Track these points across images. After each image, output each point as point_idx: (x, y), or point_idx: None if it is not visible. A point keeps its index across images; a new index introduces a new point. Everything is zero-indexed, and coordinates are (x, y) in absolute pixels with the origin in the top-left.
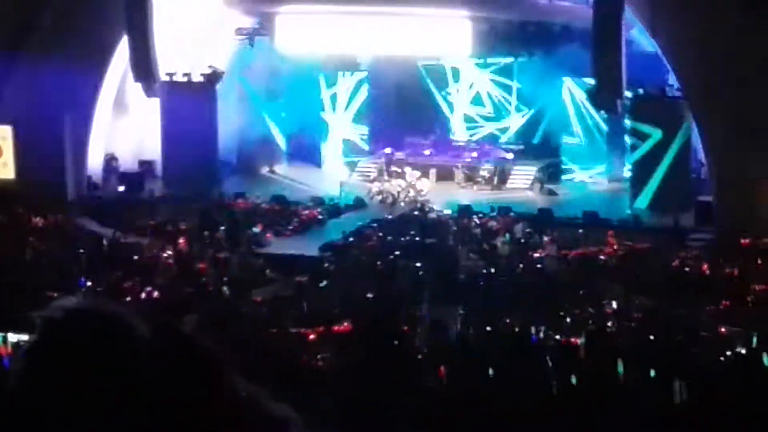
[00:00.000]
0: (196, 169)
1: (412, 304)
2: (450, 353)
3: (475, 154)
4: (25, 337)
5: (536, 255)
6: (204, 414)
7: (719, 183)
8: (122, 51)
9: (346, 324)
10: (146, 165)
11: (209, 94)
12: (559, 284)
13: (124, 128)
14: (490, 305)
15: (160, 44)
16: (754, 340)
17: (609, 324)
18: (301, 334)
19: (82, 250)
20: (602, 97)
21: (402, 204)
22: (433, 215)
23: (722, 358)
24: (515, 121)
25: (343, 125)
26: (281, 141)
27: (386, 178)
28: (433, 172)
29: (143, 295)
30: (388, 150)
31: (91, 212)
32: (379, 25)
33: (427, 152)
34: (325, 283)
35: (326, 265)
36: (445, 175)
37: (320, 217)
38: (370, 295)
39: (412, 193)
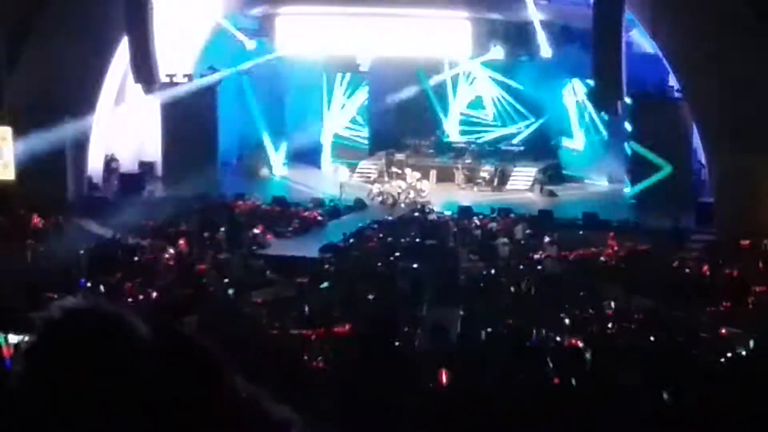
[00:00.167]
0: (196, 170)
1: (413, 305)
2: (450, 355)
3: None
4: (25, 338)
5: (536, 256)
6: (204, 414)
7: (719, 184)
8: (123, 52)
9: (346, 325)
10: (146, 166)
11: (209, 96)
12: (560, 285)
13: (124, 129)
14: (490, 306)
15: (160, 45)
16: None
17: (609, 325)
18: (301, 336)
19: (82, 251)
20: (602, 98)
21: (402, 205)
22: (433, 216)
23: (722, 360)
24: (517, 129)
25: (339, 126)
26: (281, 142)
27: (386, 179)
28: (433, 173)
29: (143, 296)
30: (388, 151)
31: (91, 213)
32: (379, 27)
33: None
34: (325, 284)
35: (326, 266)
36: (445, 177)
37: (320, 218)
38: (370, 297)
39: (412, 195)
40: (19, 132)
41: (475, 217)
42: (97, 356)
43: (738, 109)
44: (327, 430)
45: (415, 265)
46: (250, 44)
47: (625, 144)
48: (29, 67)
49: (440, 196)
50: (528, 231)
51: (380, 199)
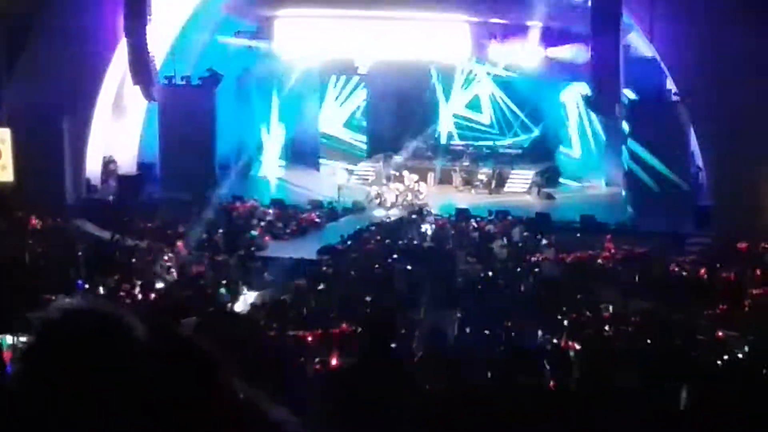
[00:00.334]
0: (194, 172)
1: (410, 307)
2: (447, 357)
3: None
4: (24, 339)
5: (534, 259)
6: (202, 415)
7: (717, 187)
8: (121, 54)
9: (343, 327)
10: (144, 168)
11: (208, 98)
12: (557, 288)
13: (122, 131)
14: (487, 309)
15: (158, 47)
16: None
17: (606, 328)
18: (299, 337)
19: (80, 253)
20: (600, 101)
21: (400, 207)
22: (431, 219)
23: (720, 362)
24: (512, 142)
25: (337, 129)
26: (280, 144)
27: (384, 181)
28: (431, 175)
29: (141, 298)
30: (386, 154)
31: (90, 215)
32: (377, 29)
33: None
34: (323, 286)
35: (324, 268)
36: (443, 179)
37: (318, 220)
38: (368, 299)
39: (410, 197)
40: (18, 134)
41: (472, 220)
42: (95, 357)
43: (736, 112)
44: (324, 431)
45: (412, 268)
46: (249, 47)
47: (623, 147)
48: (28, 69)
49: (438, 199)
50: (525, 233)
51: (378, 201)
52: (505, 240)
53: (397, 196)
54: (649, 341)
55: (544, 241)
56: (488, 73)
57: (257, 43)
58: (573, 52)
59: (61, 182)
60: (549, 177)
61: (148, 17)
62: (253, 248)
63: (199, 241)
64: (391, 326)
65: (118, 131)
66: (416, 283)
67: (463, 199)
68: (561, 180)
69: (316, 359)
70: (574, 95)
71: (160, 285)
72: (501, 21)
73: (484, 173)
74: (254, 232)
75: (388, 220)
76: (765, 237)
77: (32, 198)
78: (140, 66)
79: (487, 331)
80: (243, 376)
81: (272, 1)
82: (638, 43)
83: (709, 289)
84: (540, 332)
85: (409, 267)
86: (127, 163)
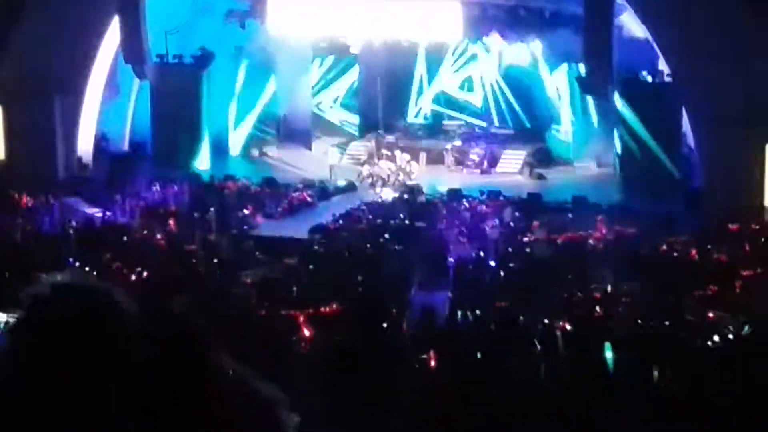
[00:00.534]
0: (186, 151)
1: (401, 287)
2: (438, 337)
3: (465, 138)
4: (14, 317)
5: (525, 239)
6: (192, 392)
7: (709, 168)
8: (114, 31)
9: (334, 306)
10: (136, 146)
11: (200, 76)
12: (548, 268)
13: (114, 109)
14: (478, 289)
15: (151, 26)
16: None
17: (597, 308)
18: (290, 316)
19: (71, 231)
20: (593, 82)
21: (392, 187)
22: (422, 198)
23: (710, 343)
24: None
25: (329, 108)
26: (271, 123)
27: (376, 161)
28: (423, 155)
29: (133, 277)
30: (378, 133)
31: (81, 193)
32: (370, 8)
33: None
34: (314, 266)
35: (316, 247)
36: (435, 159)
37: (310, 199)
38: (359, 278)
39: (402, 177)
40: (10, 111)
41: (464, 200)
42: (85, 332)
43: (728, 93)
44: (313, 409)
45: (403, 247)
46: (241, 26)
47: (615, 128)
48: (20, 46)
49: (430, 179)
50: (517, 214)
51: (370, 180)
52: (496, 220)
53: (388, 175)
54: (639, 322)
55: (535, 222)
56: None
57: (249, 22)
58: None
59: (52, 160)
60: (541, 157)
61: None
62: (244, 227)
63: (191, 219)
64: (382, 306)
65: (110, 109)
66: (407, 263)
67: (455, 179)
68: (553, 160)
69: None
70: (566, 75)
71: (150, 264)
72: (493, 1)
73: (476, 153)
74: (246, 211)
75: (379, 200)
76: (756, 218)
77: (23, 176)
78: (132, 44)
79: (477, 312)
80: (233, 354)
81: None
82: (631, 23)
83: (700, 270)
84: (531, 312)
85: (400, 247)
86: (119, 141)
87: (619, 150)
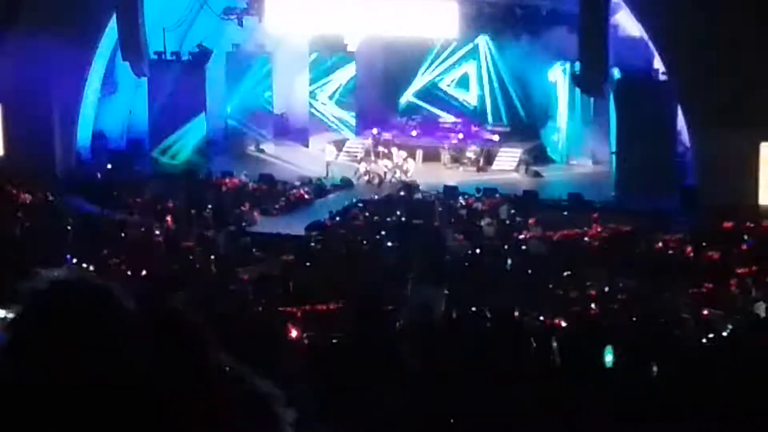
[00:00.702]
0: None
1: (398, 284)
2: (434, 333)
3: (461, 136)
4: (11, 313)
5: (521, 236)
6: (188, 388)
7: (703, 167)
8: (112, 28)
9: (331, 303)
10: (135, 143)
11: (197, 73)
12: (544, 266)
13: (113, 106)
14: (474, 286)
15: (148, 23)
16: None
17: (592, 306)
18: (287, 313)
19: (69, 227)
20: (588, 80)
21: (389, 184)
22: (419, 196)
23: (704, 340)
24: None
25: (325, 105)
26: (269, 120)
27: (373, 158)
28: (419, 153)
29: (130, 272)
30: (374, 131)
31: (79, 189)
32: (367, 6)
33: (413, 133)
34: (311, 262)
35: (313, 244)
36: (431, 156)
37: (307, 196)
38: (355, 275)
39: (398, 174)
40: (8, 108)
41: (460, 197)
42: (82, 327)
43: (723, 91)
44: (310, 405)
45: (400, 244)
46: (239, 23)
47: (610, 126)
48: (19, 43)
49: (426, 176)
50: (513, 211)
51: (367, 178)
52: (492, 218)
53: (385, 173)
54: (634, 319)
55: (531, 219)
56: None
57: (247, 19)
58: None
59: (51, 157)
60: (537, 155)
61: None
62: (241, 224)
63: (188, 216)
64: (378, 303)
65: (108, 106)
66: (404, 260)
67: (452, 176)
68: (549, 158)
69: (304, 335)
70: (562, 73)
71: (148, 260)
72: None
73: (472, 151)
74: (243, 208)
75: (376, 197)
76: (750, 216)
77: (22, 172)
78: (130, 41)
79: (473, 308)
80: (230, 350)
81: None
82: (626, 22)
83: (695, 268)
84: (526, 310)
85: (397, 244)
86: (117, 137)
87: (614, 148)
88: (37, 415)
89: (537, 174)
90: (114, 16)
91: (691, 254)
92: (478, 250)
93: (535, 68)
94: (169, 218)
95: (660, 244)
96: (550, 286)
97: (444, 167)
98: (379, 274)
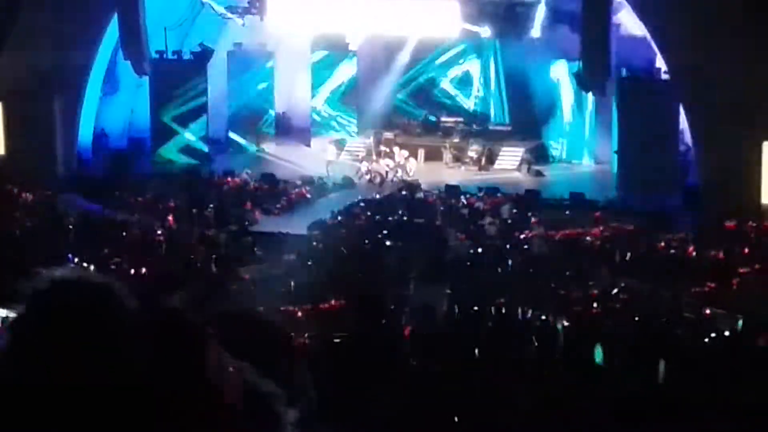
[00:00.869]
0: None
1: (400, 283)
2: (436, 333)
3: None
4: (12, 313)
5: (523, 236)
6: (190, 387)
7: (706, 166)
8: (114, 27)
9: (333, 303)
10: (136, 142)
11: (199, 72)
12: (546, 265)
13: (114, 105)
14: (476, 286)
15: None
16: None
17: (594, 305)
18: (288, 312)
19: (70, 227)
20: (590, 78)
21: (390, 184)
22: (420, 195)
23: (706, 340)
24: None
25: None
26: (270, 119)
27: (374, 157)
28: (421, 152)
29: (131, 272)
30: (376, 130)
31: (80, 189)
32: (368, 4)
33: (415, 132)
34: (312, 262)
35: (314, 243)
36: (433, 156)
37: (309, 196)
38: (358, 275)
39: (400, 173)
40: (9, 107)
41: (462, 197)
42: (83, 327)
43: (726, 91)
44: (311, 406)
45: (402, 244)
46: (240, 21)
47: (612, 125)
48: (19, 41)
49: (428, 175)
50: (515, 210)
51: (368, 177)
52: (494, 217)
53: (387, 172)
54: (637, 319)
55: (533, 219)
56: (478, 50)
57: (248, 18)
58: None
59: (52, 156)
60: (539, 154)
61: None
62: (243, 223)
63: (189, 215)
64: (380, 302)
65: (109, 105)
66: (406, 260)
67: (453, 175)
68: (551, 157)
69: (306, 334)
70: (564, 72)
71: (149, 259)
72: None
73: (474, 150)
74: (245, 207)
75: (378, 197)
76: (753, 215)
77: (23, 171)
78: (131, 40)
79: (476, 308)
80: (231, 350)
81: None
82: (629, 21)
83: (697, 268)
84: (528, 309)
85: (398, 243)
86: (118, 137)
87: (616, 147)
88: (38, 414)
89: (539, 173)
90: (115, 15)
91: (694, 254)
92: (479, 250)
93: (537, 67)
94: (170, 217)
95: (662, 244)
96: (552, 285)
97: (446, 166)
98: (381, 273)
